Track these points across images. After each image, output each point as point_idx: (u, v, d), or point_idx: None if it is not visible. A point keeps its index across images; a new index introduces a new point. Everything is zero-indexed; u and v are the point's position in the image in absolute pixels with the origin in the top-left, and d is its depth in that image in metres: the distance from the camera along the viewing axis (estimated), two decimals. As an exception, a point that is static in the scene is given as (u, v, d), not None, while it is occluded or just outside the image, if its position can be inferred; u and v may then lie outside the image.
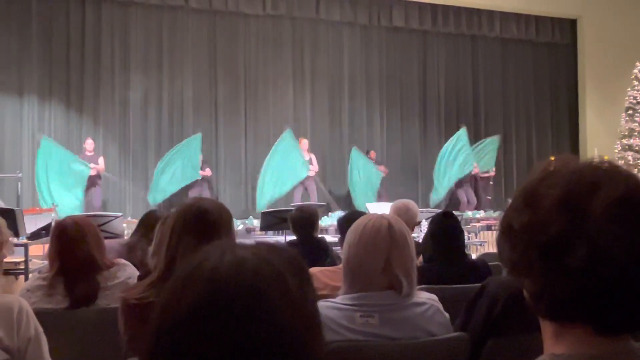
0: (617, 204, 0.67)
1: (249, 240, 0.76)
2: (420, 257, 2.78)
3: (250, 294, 0.64)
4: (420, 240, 5.27)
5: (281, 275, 0.68)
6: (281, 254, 0.72)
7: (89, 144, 8.80)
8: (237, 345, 0.62)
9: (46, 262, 4.75)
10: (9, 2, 9.14)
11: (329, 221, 8.48)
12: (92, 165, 8.58)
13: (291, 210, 5.37)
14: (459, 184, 10.30)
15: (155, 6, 9.83)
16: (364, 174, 9.81)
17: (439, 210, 6.94)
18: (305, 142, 9.60)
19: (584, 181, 0.69)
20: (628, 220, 0.67)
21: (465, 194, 10.27)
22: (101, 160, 8.85)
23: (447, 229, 2.78)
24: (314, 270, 2.45)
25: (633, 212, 0.67)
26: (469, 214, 9.35)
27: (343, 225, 2.84)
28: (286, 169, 9.22)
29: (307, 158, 9.51)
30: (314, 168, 9.50)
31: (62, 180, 8.27)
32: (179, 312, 0.64)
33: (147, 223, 3.18)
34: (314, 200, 8.94)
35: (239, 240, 0.76)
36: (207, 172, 9.45)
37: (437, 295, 1.78)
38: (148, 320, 0.67)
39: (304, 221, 3.53)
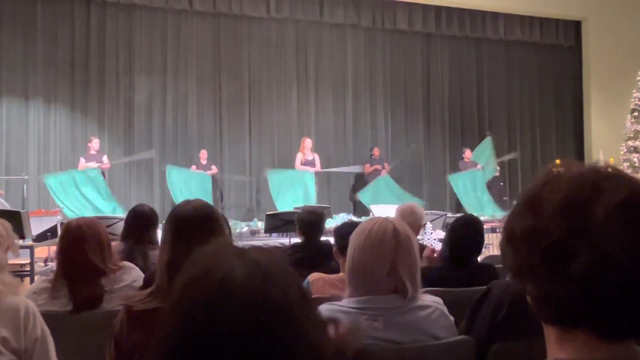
0: (620, 208, 0.67)
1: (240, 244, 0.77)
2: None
3: (284, 313, 0.66)
4: (425, 243, 5.28)
5: (301, 288, 0.70)
6: (284, 261, 0.73)
7: (95, 142, 8.84)
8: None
9: (50, 265, 4.77)
10: (14, 7, 9.19)
11: (332, 223, 8.47)
12: (96, 163, 8.65)
13: (295, 212, 5.37)
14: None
15: (159, 9, 9.86)
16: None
17: (443, 213, 6.95)
18: (308, 142, 9.58)
19: (586, 186, 0.69)
20: (631, 224, 0.66)
21: None
22: (105, 158, 8.91)
23: (465, 232, 2.75)
24: (315, 276, 2.45)
25: (636, 216, 0.67)
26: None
27: (340, 236, 2.77)
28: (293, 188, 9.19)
29: (311, 157, 9.50)
30: (317, 168, 9.49)
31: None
32: (200, 322, 0.65)
33: (137, 226, 3.12)
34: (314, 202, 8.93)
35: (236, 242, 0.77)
36: (214, 169, 9.48)
37: (441, 298, 1.77)
38: (154, 327, 0.67)
39: (311, 223, 3.51)
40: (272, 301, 0.66)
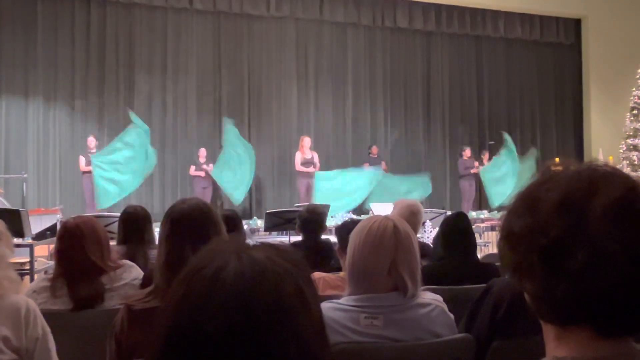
0: (616, 206, 0.67)
1: (251, 241, 0.75)
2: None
3: (275, 313, 0.63)
4: (425, 241, 5.28)
5: (300, 287, 0.67)
6: (291, 257, 0.71)
7: (91, 141, 8.81)
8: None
9: (52, 262, 4.77)
10: (14, 4, 9.19)
11: (332, 222, 8.46)
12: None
13: (295, 211, 5.38)
14: (465, 175, 10.29)
15: (159, 8, 9.86)
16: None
17: (443, 211, 6.97)
18: (307, 140, 9.57)
19: (582, 184, 0.70)
20: (627, 222, 0.67)
21: (469, 186, 10.26)
22: None
23: (459, 229, 2.76)
24: (316, 275, 2.45)
25: (632, 214, 0.67)
26: (473, 214, 9.34)
27: (343, 234, 2.78)
28: None
29: (310, 156, 9.49)
30: (316, 167, 9.48)
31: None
32: (189, 322, 0.63)
33: (132, 228, 3.10)
34: (311, 200, 8.91)
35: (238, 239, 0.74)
36: (211, 167, 9.46)
37: (441, 295, 1.78)
38: (154, 325, 0.67)
39: (312, 222, 3.50)
40: (261, 300, 0.62)
